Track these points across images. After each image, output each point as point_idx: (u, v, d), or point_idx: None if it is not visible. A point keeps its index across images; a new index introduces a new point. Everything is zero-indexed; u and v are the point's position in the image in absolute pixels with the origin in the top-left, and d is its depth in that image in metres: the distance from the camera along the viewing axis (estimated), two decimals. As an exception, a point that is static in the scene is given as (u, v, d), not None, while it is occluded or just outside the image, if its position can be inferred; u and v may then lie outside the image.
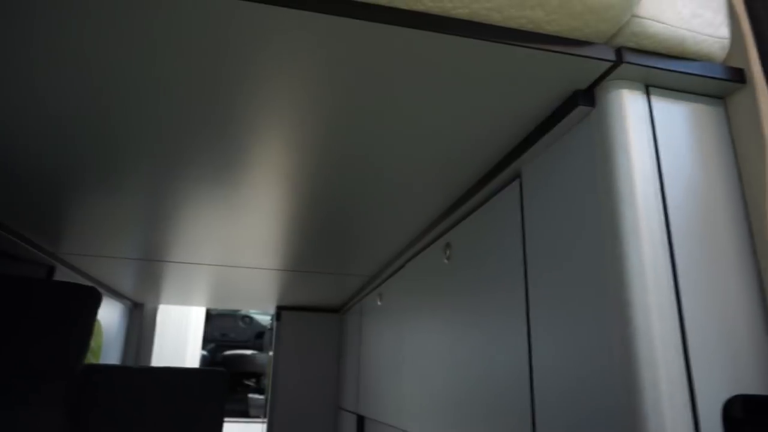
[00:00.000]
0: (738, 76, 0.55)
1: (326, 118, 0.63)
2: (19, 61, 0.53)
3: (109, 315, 1.97)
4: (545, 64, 0.52)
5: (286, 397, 2.05)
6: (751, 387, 0.47)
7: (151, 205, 0.95)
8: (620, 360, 0.47)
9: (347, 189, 0.86)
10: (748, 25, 0.56)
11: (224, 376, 1.28)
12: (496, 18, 0.49)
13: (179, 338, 2.64)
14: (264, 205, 0.94)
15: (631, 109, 0.53)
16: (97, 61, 0.53)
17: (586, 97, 0.56)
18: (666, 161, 0.53)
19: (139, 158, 0.76)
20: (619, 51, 0.52)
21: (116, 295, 1.95)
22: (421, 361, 1.03)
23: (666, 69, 0.53)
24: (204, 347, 4.89)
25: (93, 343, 1.73)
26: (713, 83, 0.55)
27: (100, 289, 1.76)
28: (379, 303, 1.48)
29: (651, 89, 0.55)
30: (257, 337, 5.31)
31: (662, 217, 0.50)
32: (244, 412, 4.41)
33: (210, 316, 5.12)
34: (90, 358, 1.71)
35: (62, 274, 1.50)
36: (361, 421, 1.67)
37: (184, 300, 2.08)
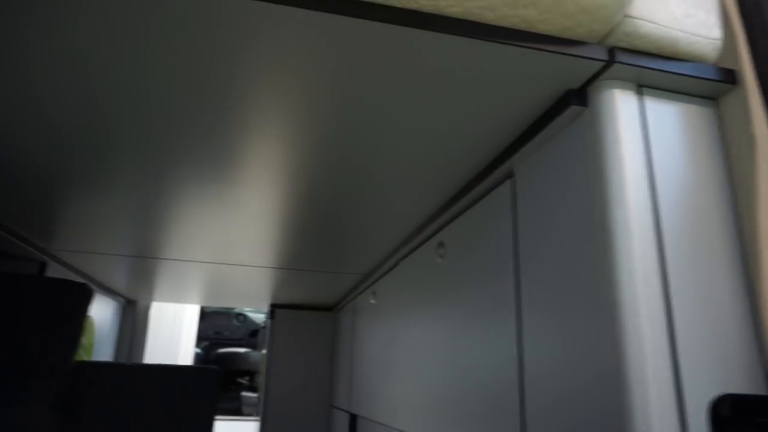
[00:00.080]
0: (730, 77, 0.55)
1: (317, 117, 0.63)
2: (16, 60, 0.53)
3: (102, 312, 1.96)
4: (538, 63, 0.52)
5: (280, 395, 2.04)
6: (738, 387, 0.47)
7: (145, 202, 0.95)
8: (609, 359, 0.48)
9: (340, 187, 0.86)
10: (740, 26, 0.56)
11: (216, 374, 1.28)
12: (489, 17, 0.49)
13: (172, 336, 2.63)
14: (257, 203, 0.94)
15: (623, 109, 0.53)
16: (91, 61, 0.53)
17: (579, 97, 0.56)
18: (658, 161, 0.53)
19: (131, 156, 0.75)
20: (611, 51, 0.52)
21: (109, 291, 1.95)
22: (414, 359, 1.03)
23: (658, 69, 0.53)
24: (198, 345, 4.87)
25: (85, 340, 1.72)
26: (705, 84, 0.55)
27: (93, 286, 1.76)
28: (372, 301, 1.48)
29: (643, 89, 0.55)
30: (251, 335, 5.30)
31: (653, 218, 0.50)
32: (237, 410, 4.41)
33: (204, 314, 5.11)
34: (82, 355, 1.71)
35: (54, 271, 1.50)
36: (353, 419, 1.67)
37: (178, 297, 2.08)
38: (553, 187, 0.61)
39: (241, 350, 5.00)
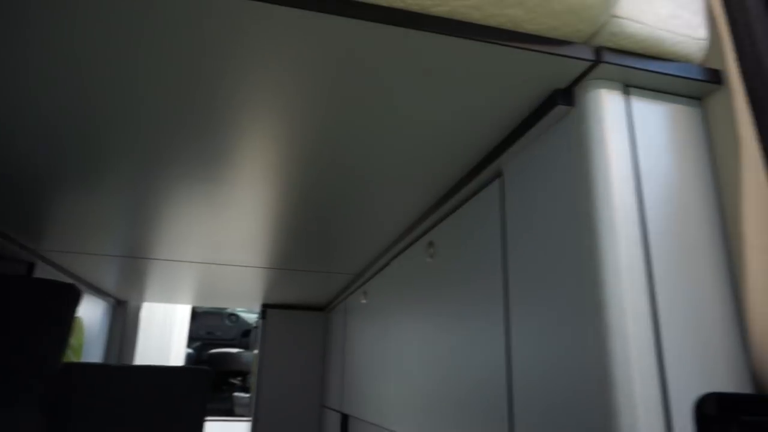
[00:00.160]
0: (715, 78, 0.55)
1: (306, 116, 0.63)
2: (4, 61, 0.53)
3: (92, 312, 1.94)
4: (525, 62, 0.52)
5: (271, 396, 2.04)
6: (723, 386, 0.47)
7: (135, 202, 0.94)
8: (595, 358, 0.48)
9: (331, 187, 0.85)
10: (726, 26, 0.56)
11: (207, 375, 1.28)
12: (475, 16, 0.49)
13: (164, 336, 2.61)
14: (248, 202, 0.94)
15: (609, 109, 0.53)
16: (81, 60, 0.53)
17: (566, 97, 0.56)
18: (644, 161, 0.53)
19: (122, 155, 0.75)
20: (598, 51, 0.52)
21: (99, 292, 1.93)
22: (405, 359, 1.03)
23: (644, 69, 0.53)
24: (189, 345, 4.85)
25: (74, 341, 1.71)
26: (691, 84, 0.55)
27: (82, 287, 1.75)
28: (363, 301, 1.48)
29: (630, 89, 0.56)
30: (243, 335, 5.28)
31: (639, 217, 0.51)
32: (229, 411, 4.39)
33: (196, 314, 5.08)
34: (71, 357, 1.69)
35: (43, 272, 1.48)
36: (345, 419, 1.67)
37: (169, 298, 2.07)
38: (540, 186, 0.61)
39: (234, 350, 4.98)
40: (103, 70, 0.55)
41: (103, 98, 0.60)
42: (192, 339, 4.92)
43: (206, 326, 5.21)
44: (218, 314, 5.28)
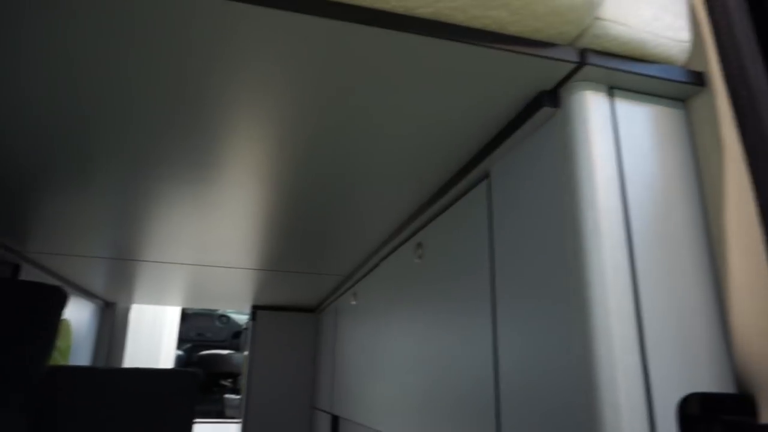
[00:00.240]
0: (698, 80, 0.56)
1: (294, 117, 0.63)
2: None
3: (80, 314, 1.93)
4: (510, 64, 0.52)
5: (261, 397, 2.03)
6: (706, 385, 0.48)
7: (123, 203, 0.94)
8: (580, 358, 0.48)
9: (319, 188, 0.85)
10: (708, 29, 0.57)
11: (195, 377, 1.27)
12: (459, 18, 0.49)
13: (153, 338, 2.60)
14: (238, 204, 0.93)
15: (594, 111, 0.54)
16: (72, 60, 0.52)
17: (551, 99, 0.56)
18: (628, 162, 0.53)
19: (110, 156, 0.74)
20: (582, 53, 0.52)
21: (87, 294, 1.92)
22: (394, 360, 1.03)
23: (628, 71, 0.53)
24: (180, 347, 4.82)
25: (61, 344, 1.69)
26: (674, 86, 0.56)
27: (70, 289, 1.73)
28: (353, 303, 1.48)
29: (614, 91, 0.56)
30: (234, 336, 5.26)
31: (623, 218, 0.51)
32: (220, 413, 4.37)
33: (186, 315, 5.05)
34: (58, 359, 1.68)
35: (29, 274, 1.47)
36: (335, 421, 1.66)
37: (158, 299, 2.06)
38: (526, 187, 0.61)
39: (224, 352, 4.95)
40: (91, 70, 0.54)
41: (90, 98, 0.60)
42: (182, 341, 4.89)
43: (197, 328, 5.18)
44: (209, 316, 5.25)
